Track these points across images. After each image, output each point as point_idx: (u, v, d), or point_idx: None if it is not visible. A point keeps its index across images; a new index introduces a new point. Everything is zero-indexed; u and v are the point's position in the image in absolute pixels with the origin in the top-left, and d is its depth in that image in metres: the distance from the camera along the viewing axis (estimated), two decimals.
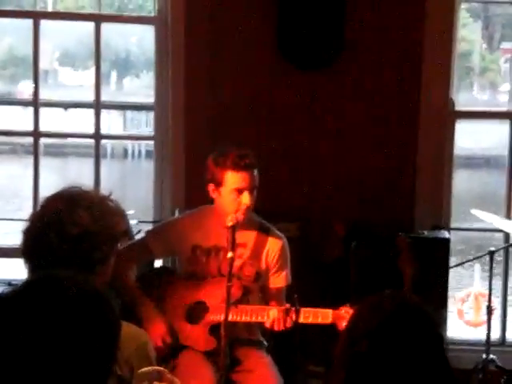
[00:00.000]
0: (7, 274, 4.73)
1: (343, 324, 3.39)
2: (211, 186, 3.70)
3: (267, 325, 3.61)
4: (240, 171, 3.62)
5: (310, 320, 3.55)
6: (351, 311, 3.38)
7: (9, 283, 4.18)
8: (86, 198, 2.60)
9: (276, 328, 3.58)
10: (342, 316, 3.47)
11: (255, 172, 3.67)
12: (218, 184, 3.66)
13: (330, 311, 3.55)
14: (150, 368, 2.30)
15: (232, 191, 3.64)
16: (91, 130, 5.17)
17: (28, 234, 2.55)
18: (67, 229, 2.48)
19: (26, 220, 2.61)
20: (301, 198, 4.89)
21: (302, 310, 3.53)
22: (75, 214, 2.51)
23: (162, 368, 2.36)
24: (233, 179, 3.63)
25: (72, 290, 1.83)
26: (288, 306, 3.58)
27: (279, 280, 3.84)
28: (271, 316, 3.57)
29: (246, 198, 3.63)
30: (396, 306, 2.00)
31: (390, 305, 2.00)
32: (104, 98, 5.23)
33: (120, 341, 1.92)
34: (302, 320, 3.54)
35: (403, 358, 1.91)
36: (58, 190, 2.62)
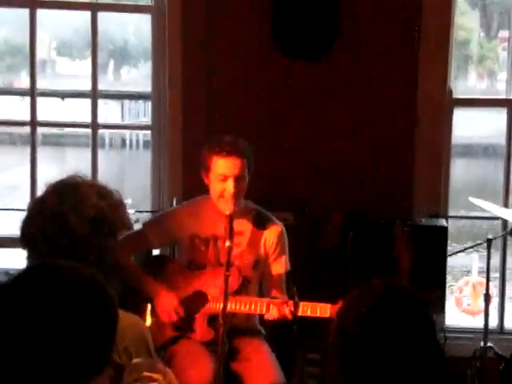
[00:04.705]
0: (4, 264, 4.73)
1: None
2: (203, 173, 3.72)
3: (267, 317, 3.61)
4: (225, 157, 3.64)
5: (309, 313, 3.55)
6: None
7: (6, 272, 4.18)
8: (94, 186, 2.59)
9: (276, 321, 3.58)
10: None
11: (242, 160, 3.66)
12: (207, 170, 3.69)
13: (328, 306, 3.54)
14: (140, 359, 2.30)
15: (217, 177, 3.65)
16: (89, 120, 5.16)
17: (34, 220, 2.52)
18: (87, 211, 2.47)
19: (25, 209, 2.59)
20: (298, 186, 4.89)
21: (301, 303, 3.53)
22: (90, 200, 2.50)
23: (152, 359, 2.36)
24: (218, 165, 3.65)
25: (69, 278, 1.83)
26: (286, 299, 3.58)
27: (279, 266, 3.84)
28: (270, 309, 3.58)
29: (229, 186, 3.64)
30: (384, 291, 2.01)
31: (378, 290, 2.01)
32: (102, 87, 5.22)
33: (119, 330, 1.92)
34: (300, 313, 3.54)
35: (394, 340, 1.92)
36: (60, 179, 2.61)
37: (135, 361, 2.28)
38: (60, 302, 1.79)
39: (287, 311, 3.51)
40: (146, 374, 2.22)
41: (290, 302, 3.50)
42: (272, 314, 3.56)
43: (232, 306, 3.58)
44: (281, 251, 3.85)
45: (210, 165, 3.67)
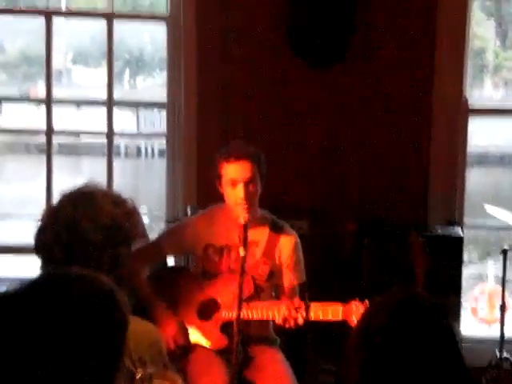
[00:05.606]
0: (21, 272, 4.74)
1: (353, 319, 3.39)
2: (217, 182, 3.73)
3: (278, 322, 3.59)
4: (232, 162, 3.65)
5: (321, 316, 3.54)
6: (361, 306, 3.38)
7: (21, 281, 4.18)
8: (108, 194, 2.59)
9: (287, 325, 3.56)
10: (352, 311, 3.45)
11: (251, 163, 3.66)
12: (219, 177, 3.70)
13: (340, 308, 3.51)
14: (151, 368, 2.30)
15: (228, 183, 3.66)
16: (104, 129, 5.18)
17: (49, 229, 2.52)
18: (102, 220, 2.47)
19: (40, 218, 2.59)
20: (313, 195, 4.89)
21: (312, 305, 3.51)
22: (105, 208, 2.51)
23: (162, 368, 2.36)
24: (227, 171, 3.67)
25: (77, 288, 1.83)
26: (297, 301, 3.56)
27: (292, 278, 3.82)
28: (281, 312, 3.56)
29: (239, 191, 3.64)
30: (406, 301, 2.00)
31: (400, 300, 2.00)
32: (117, 96, 5.23)
33: (134, 338, 1.91)
34: (312, 317, 3.53)
35: (416, 351, 1.91)
36: (75, 187, 2.61)
37: (145, 370, 2.28)
38: (68, 312, 1.78)
39: (299, 315, 3.49)
40: (156, 382, 2.22)
41: (301, 304, 3.49)
42: (283, 317, 3.53)
43: (244, 313, 3.57)
44: (295, 262, 3.82)
45: (220, 172, 3.69)
